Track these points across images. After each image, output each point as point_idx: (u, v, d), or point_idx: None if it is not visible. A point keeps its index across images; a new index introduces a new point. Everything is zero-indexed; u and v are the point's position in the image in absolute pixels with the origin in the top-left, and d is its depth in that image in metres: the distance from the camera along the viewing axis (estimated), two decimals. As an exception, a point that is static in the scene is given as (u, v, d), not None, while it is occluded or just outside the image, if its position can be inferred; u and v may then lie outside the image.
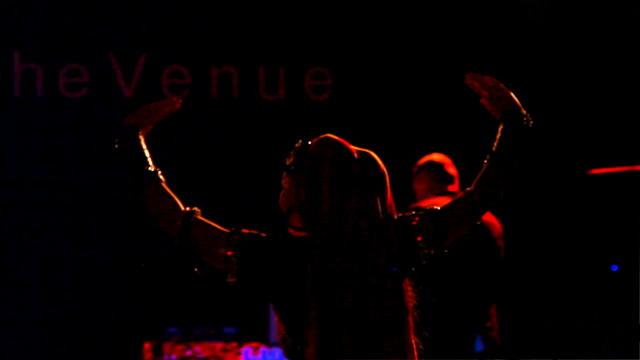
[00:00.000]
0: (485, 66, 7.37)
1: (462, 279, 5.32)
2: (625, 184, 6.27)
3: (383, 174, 2.80)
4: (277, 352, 6.58)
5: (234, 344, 6.66)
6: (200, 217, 2.80)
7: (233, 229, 2.80)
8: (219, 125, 7.52)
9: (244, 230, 2.80)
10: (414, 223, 2.82)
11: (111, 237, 7.36)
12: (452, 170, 5.62)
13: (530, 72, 7.29)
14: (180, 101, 2.92)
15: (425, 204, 5.36)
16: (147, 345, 6.69)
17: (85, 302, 7.31)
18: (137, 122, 2.84)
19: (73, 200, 7.39)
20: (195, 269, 2.80)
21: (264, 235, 2.80)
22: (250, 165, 7.46)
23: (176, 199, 2.84)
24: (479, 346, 5.46)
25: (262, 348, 6.67)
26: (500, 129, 2.94)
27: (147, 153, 2.82)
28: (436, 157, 5.68)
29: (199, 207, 2.84)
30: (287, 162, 2.88)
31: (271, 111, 7.51)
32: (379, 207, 2.74)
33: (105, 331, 7.26)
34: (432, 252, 2.82)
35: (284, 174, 2.91)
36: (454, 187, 5.58)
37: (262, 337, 6.75)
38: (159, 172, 2.81)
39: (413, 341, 2.76)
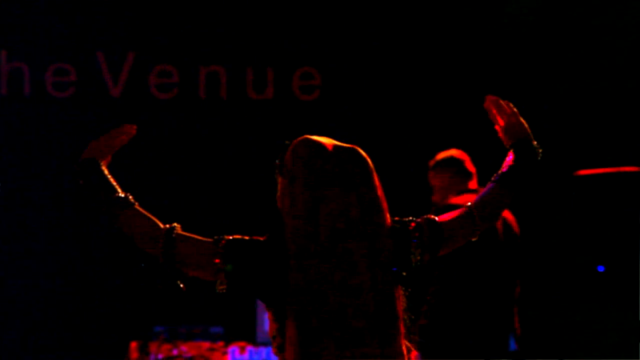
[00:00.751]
0: (471, 65, 7.38)
1: (490, 278, 5.31)
2: (614, 185, 6.29)
3: (367, 172, 2.75)
4: (264, 351, 6.58)
5: (221, 344, 6.65)
6: (181, 232, 2.77)
7: (216, 237, 2.78)
8: (206, 125, 7.51)
9: (227, 237, 2.76)
10: (410, 228, 2.80)
11: (98, 236, 7.35)
12: (471, 167, 5.60)
13: (517, 72, 7.31)
14: (135, 127, 2.89)
15: (453, 201, 5.35)
16: (133, 344, 6.68)
17: (71, 301, 7.29)
18: (95, 154, 2.82)
19: (60, 199, 7.37)
20: (181, 285, 2.79)
21: (247, 238, 2.78)
22: (239, 165, 7.45)
23: (153, 218, 2.82)
24: (513, 346, 5.45)
25: (249, 347, 6.67)
26: (511, 157, 2.95)
27: (112, 181, 2.80)
28: (455, 152, 5.64)
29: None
30: (277, 163, 2.87)
31: (259, 111, 7.51)
32: (360, 208, 2.69)
33: (91, 330, 7.24)
34: (425, 259, 2.80)
35: (276, 174, 2.91)
36: (473, 185, 5.56)
37: (249, 336, 6.75)
38: (130, 197, 2.79)
39: (403, 347, 2.71)
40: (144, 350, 6.67)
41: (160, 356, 6.68)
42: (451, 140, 7.26)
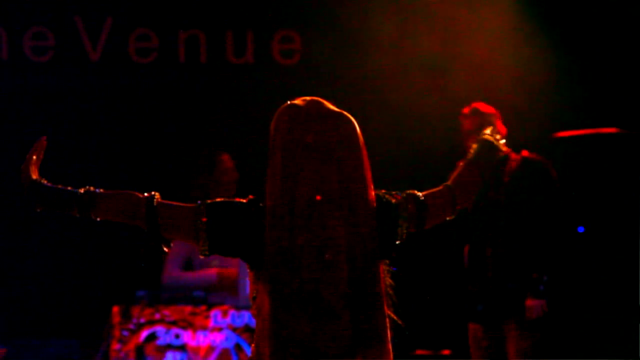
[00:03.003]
0: (443, 23, 7.37)
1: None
2: (591, 146, 6.32)
3: (351, 141, 2.70)
4: (246, 315, 6.60)
5: (203, 308, 6.67)
6: (160, 199, 2.77)
7: (198, 202, 2.77)
8: (186, 89, 7.49)
9: (208, 201, 2.76)
10: (394, 201, 2.78)
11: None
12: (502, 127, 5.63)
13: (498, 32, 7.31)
14: (45, 137, 2.90)
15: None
16: (115, 309, 6.69)
17: (53, 266, 7.30)
18: (29, 176, 2.83)
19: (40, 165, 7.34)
20: (165, 249, 2.80)
21: (231, 200, 2.77)
22: (218, 129, 7.44)
23: (127, 192, 2.80)
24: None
25: (231, 311, 6.69)
26: (475, 145, 3.04)
27: (62, 187, 2.82)
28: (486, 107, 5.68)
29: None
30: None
31: (239, 75, 7.48)
32: (340, 179, 2.66)
33: (73, 295, 7.25)
34: (411, 230, 2.80)
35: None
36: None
37: (232, 300, 6.76)
38: (90, 188, 2.78)
39: (381, 323, 2.69)
40: (126, 315, 6.68)
41: (142, 320, 6.70)
42: (430, 102, 7.27)
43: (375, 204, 2.73)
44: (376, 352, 2.66)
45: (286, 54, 7.51)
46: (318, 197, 2.65)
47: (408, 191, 2.85)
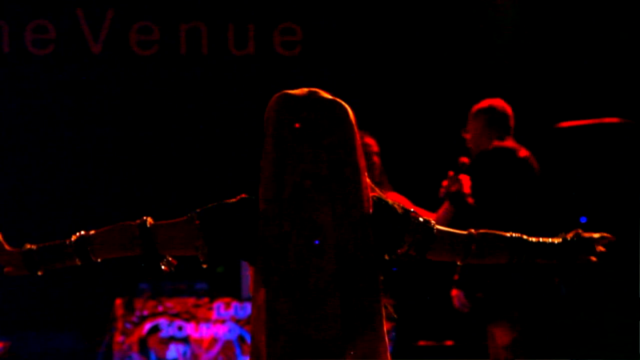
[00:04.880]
0: (450, 16, 7.36)
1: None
2: (594, 136, 6.31)
3: (344, 128, 2.69)
4: (249, 307, 6.60)
5: (206, 300, 6.68)
6: (153, 222, 2.76)
7: (189, 214, 2.74)
8: (187, 81, 7.48)
9: (198, 210, 2.74)
10: (400, 211, 2.74)
11: (81, 192, 7.34)
12: (511, 121, 5.55)
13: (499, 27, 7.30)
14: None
15: (498, 144, 5.37)
16: (118, 301, 6.70)
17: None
18: (8, 252, 2.81)
19: (40, 155, 7.35)
20: (165, 268, 2.79)
21: (216, 204, 2.75)
22: (220, 121, 7.44)
23: (118, 224, 2.77)
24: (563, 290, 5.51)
25: (234, 303, 6.70)
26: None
27: (52, 243, 2.79)
28: (496, 102, 5.58)
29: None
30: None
31: (241, 67, 7.48)
32: (330, 166, 2.64)
33: (76, 288, 7.25)
34: (411, 253, 2.74)
35: None
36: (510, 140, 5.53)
37: (233, 292, 6.77)
38: (82, 233, 2.77)
39: (377, 309, 2.67)
40: (129, 307, 6.69)
41: (145, 312, 6.70)
42: (431, 93, 7.27)
43: (369, 191, 2.71)
44: (368, 339, 2.64)
45: (287, 46, 7.50)
46: (307, 183, 2.65)
47: (425, 218, 2.78)
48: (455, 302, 5.26)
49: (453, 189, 5.28)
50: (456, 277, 5.31)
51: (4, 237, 2.79)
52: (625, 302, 6.02)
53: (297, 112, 2.68)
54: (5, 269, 2.80)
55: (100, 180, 7.40)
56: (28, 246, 2.78)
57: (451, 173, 5.37)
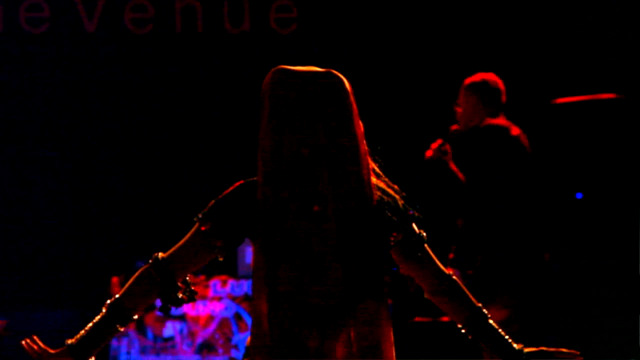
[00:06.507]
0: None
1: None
2: (590, 112, 6.31)
3: (339, 97, 2.69)
4: (245, 284, 6.62)
5: (202, 277, 6.69)
6: (163, 254, 2.76)
7: (195, 224, 2.73)
8: (183, 59, 7.46)
9: (200, 215, 2.72)
10: (410, 212, 2.74)
11: (79, 171, 7.34)
12: (503, 97, 5.55)
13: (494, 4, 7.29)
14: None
15: (492, 122, 5.38)
16: (115, 279, 6.71)
17: (52, 237, 7.30)
18: (62, 353, 2.73)
19: (37, 135, 7.35)
20: (184, 297, 2.80)
21: (220, 198, 2.74)
22: (215, 99, 7.43)
23: (133, 277, 2.77)
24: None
25: (231, 281, 6.71)
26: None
27: (88, 329, 2.74)
28: (489, 76, 5.57)
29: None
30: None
31: (236, 45, 7.46)
32: (327, 135, 2.64)
33: (73, 266, 7.26)
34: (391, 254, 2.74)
35: None
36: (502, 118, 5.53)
37: (230, 270, 6.79)
38: (108, 303, 2.75)
39: (379, 278, 2.67)
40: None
41: (142, 290, 6.70)
42: (426, 69, 7.25)
43: (368, 158, 2.72)
44: (370, 306, 2.64)
45: (283, 23, 7.48)
46: (305, 152, 2.66)
47: (421, 230, 2.80)
48: None
49: (439, 154, 5.37)
50: (451, 255, 5.32)
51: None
52: (625, 277, 6.03)
53: (292, 83, 2.69)
54: None
55: (94, 158, 7.39)
56: (69, 341, 2.76)
57: (440, 140, 5.44)
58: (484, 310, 2.84)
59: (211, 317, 6.68)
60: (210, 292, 6.67)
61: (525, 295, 5.34)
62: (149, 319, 6.72)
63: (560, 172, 5.76)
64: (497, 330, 2.83)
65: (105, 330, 2.74)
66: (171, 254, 2.76)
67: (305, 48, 7.36)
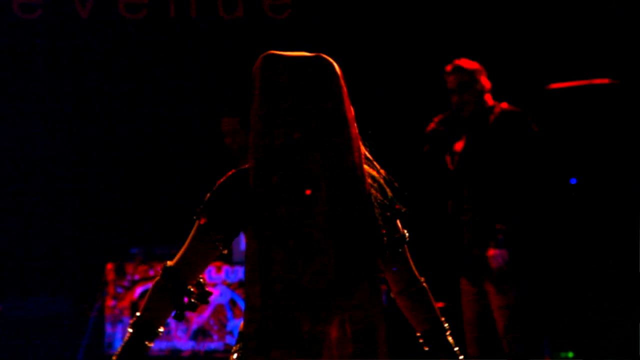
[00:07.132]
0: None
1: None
2: (585, 97, 6.32)
3: (329, 81, 2.70)
4: (240, 270, 6.62)
5: (197, 263, 6.69)
6: (170, 263, 2.79)
7: (195, 222, 2.76)
8: (176, 45, 7.45)
9: (198, 210, 2.75)
10: (397, 206, 2.77)
11: (73, 158, 7.33)
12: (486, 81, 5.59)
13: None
14: None
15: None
16: (109, 266, 6.71)
17: (47, 224, 7.30)
18: None
19: (31, 122, 7.34)
20: (198, 302, 2.81)
21: (215, 190, 2.75)
22: (210, 84, 7.42)
23: (149, 291, 2.79)
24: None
25: (225, 267, 6.71)
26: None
27: (122, 348, 2.76)
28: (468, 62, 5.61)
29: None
30: None
31: (230, 30, 7.45)
32: (317, 118, 2.66)
33: (67, 252, 7.26)
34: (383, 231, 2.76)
35: None
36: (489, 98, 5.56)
37: (224, 256, 6.78)
38: (131, 322, 2.77)
39: (373, 261, 2.69)
40: (120, 272, 6.70)
41: (136, 277, 6.72)
42: (420, 55, 7.25)
43: (359, 141, 2.72)
44: (363, 289, 2.65)
45: (277, 9, 7.47)
46: (296, 135, 2.66)
47: (405, 231, 2.83)
48: (494, 263, 5.28)
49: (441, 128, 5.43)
50: (500, 236, 5.32)
51: None
52: (625, 266, 6.05)
53: (282, 68, 2.70)
54: None
55: (88, 145, 7.38)
56: None
57: (441, 115, 5.49)
58: (446, 324, 2.88)
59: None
60: (204, 279, 6.68)
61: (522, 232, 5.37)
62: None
63: (555, 157, 5.75)
64: (452, 347, 2.86)
65: (135, 349, 2.75)
66: (178, 260, 2.78)
67: (299, 34, 7.34)
